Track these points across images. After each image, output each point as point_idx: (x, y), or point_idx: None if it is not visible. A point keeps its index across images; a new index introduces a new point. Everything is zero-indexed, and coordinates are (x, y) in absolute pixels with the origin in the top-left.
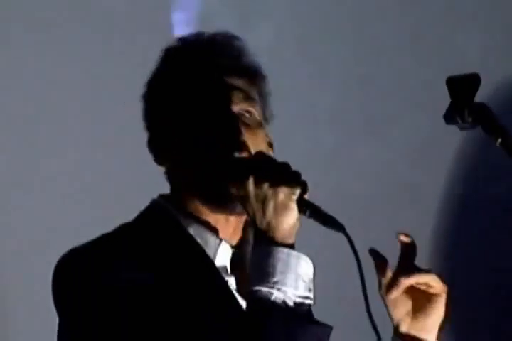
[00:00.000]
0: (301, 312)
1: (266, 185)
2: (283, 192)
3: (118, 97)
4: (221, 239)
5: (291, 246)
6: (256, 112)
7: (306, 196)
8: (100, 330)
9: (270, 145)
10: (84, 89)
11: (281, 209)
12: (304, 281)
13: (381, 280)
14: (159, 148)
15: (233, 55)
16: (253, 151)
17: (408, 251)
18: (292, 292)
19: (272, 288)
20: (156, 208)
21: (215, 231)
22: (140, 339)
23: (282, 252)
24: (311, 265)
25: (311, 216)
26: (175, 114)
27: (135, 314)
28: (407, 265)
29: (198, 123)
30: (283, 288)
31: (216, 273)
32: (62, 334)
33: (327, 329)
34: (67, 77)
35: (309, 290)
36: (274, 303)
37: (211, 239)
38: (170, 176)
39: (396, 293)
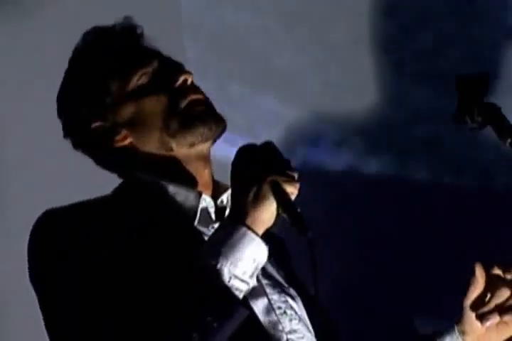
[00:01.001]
0: (228, 293)
1: (257, 172)
2: (270, 183)
3: None
4: (200, 192)
5: (255, 234)
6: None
7: (293, 196)
8: (75, 294)
9: None
10: None
11: (261, 198)
12: (247, 264)
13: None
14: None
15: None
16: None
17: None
18: (229, 269)
19: (213, 259)
20: (134, 179)
21: (194, 184)
22: (116, 307)
23: (240, 230)
24: (265, 253)
25: (284, 212)
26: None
27: (105, 278)
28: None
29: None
30: (222, 262)
31: (193, 232)
32: (43, 303)
33: (241, 312)
34: None
35: (250, 276)
36: (206, 276)
37: (191, 194)
38: (129, 166)
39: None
